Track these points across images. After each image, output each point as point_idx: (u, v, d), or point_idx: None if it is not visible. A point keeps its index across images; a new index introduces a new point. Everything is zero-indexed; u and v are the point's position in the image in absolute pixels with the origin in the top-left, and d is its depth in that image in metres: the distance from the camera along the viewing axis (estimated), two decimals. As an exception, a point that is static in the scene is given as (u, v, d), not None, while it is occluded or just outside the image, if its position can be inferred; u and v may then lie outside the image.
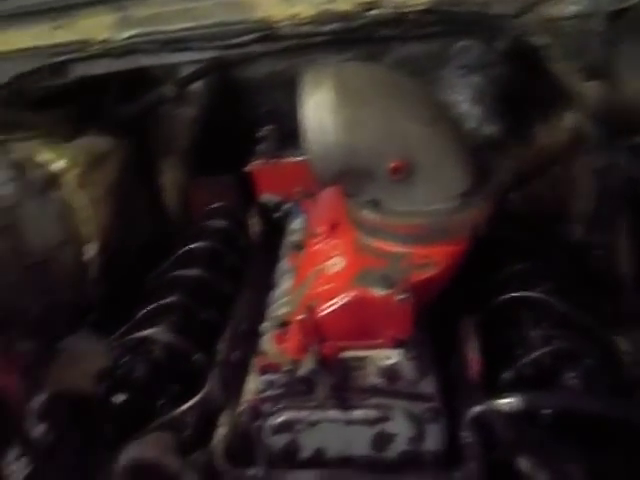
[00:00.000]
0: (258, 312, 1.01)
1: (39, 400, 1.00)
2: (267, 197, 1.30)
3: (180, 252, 1.18)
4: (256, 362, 0.82)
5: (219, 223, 1.29)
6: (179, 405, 0.92)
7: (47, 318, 1.14)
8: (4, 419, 1.01)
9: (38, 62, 1.03)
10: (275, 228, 1.30)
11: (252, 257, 1.20)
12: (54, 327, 1.16)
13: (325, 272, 0.88)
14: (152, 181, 1.49)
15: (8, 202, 1.05)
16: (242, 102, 1.47)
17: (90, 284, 1.16)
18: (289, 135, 1.30)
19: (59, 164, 1.09)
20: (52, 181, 1.08)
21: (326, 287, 0.84)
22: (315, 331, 0.77)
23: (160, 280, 1.14)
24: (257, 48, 1.04)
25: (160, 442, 0.82)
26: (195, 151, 1.49)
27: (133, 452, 0.80)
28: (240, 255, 1.23)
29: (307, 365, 0.73)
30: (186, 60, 1.10)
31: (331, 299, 0.80)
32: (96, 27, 1.03)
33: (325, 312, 0.79)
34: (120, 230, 1.22)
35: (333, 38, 1.10)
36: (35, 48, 1.03)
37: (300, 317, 0.79)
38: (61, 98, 1.22)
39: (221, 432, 0.85)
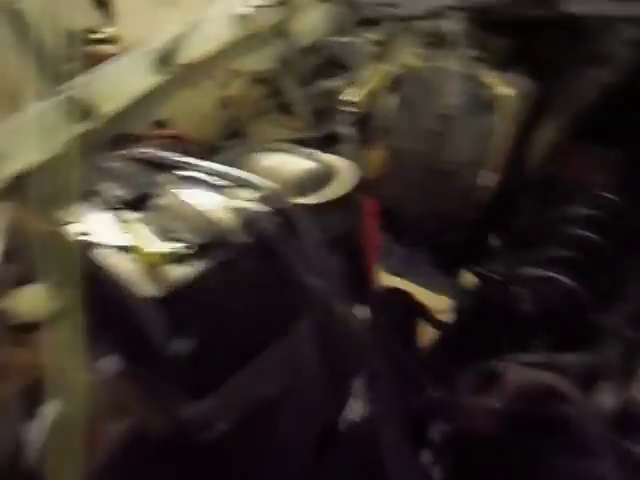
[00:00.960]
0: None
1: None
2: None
3: (571, 212, 1.16)
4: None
5: (609, 197, 1.21)
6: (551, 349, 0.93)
7: (426, 221, 1.25)
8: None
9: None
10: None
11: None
12: (427, 230, 1.27)
13: None
14: (531, 133, 1.48)
15: (451, 111, 1.14)
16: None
17: (470, 208, 1.23)
18: None
19: (502, 90, 1.13)
20: (491, 103, 1.14)
21: None
22: None
23: (545, 230, 1.14)
24: None
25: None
26: (590, 116, 1.41)
27: (528, 373, 0.84)
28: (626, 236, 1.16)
29: None
30: None
31: None
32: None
33: None
34: (511, 169, 1.25)
35: None
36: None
37: None
38: (508, 30, 1.25)
39: (609, 400, 0.83)
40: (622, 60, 1.36)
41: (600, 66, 1.36)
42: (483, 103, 1.15)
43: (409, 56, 1.19)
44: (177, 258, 0.65)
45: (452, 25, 1.16)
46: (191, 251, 0.70)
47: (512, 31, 1.29)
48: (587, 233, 1.09)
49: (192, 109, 1.23)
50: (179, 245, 0.68)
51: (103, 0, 3.44)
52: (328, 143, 1.22)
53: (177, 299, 0.62)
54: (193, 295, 0.66)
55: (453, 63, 1.15)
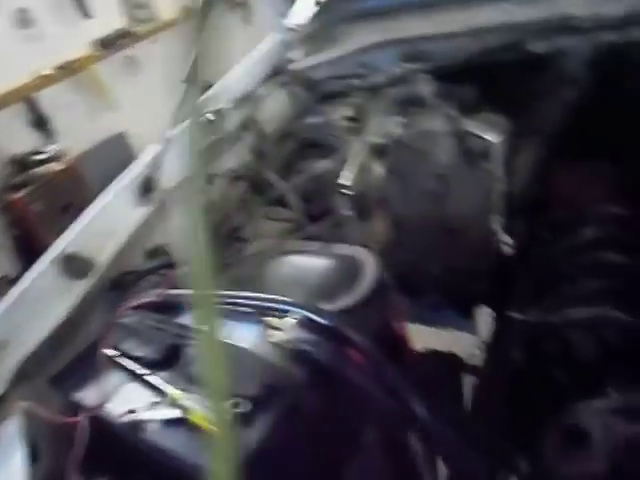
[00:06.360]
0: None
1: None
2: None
3: (591, 237, 1.13)
4: None
5: (618, 210, 1.20)
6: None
7: (445, 280, 1.20)
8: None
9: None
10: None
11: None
12: (449, 289, 1.22)
13: None
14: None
15: (446, 169, 1.11)
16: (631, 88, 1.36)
17: (487, 257, 1.19)
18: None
19: (491, 136, 1.12)
20: (481, 153, 1.12)
21: None
22: None
23: (575, 264, 1.10)
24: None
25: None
26: (565, 133, 1.42)
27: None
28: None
29: None
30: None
31: None
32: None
33: None
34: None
35: None
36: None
37: None
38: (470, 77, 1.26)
39: None
40: (581, 78, 1.39)
41: (561, 87, 1.38)
42: (474, 154, 1.12)
43: (390, 124, 1.17)
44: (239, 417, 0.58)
45: (423, 87, 1.15)
46: (248, 409, 0.63)
47: (474, 77, 1.29)
48: (617, 257, 1.05)
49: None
50: (233, 402, 0.60)
51: (42, 121, 3.39)
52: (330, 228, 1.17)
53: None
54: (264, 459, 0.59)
55: (436, 123, 1.13)
